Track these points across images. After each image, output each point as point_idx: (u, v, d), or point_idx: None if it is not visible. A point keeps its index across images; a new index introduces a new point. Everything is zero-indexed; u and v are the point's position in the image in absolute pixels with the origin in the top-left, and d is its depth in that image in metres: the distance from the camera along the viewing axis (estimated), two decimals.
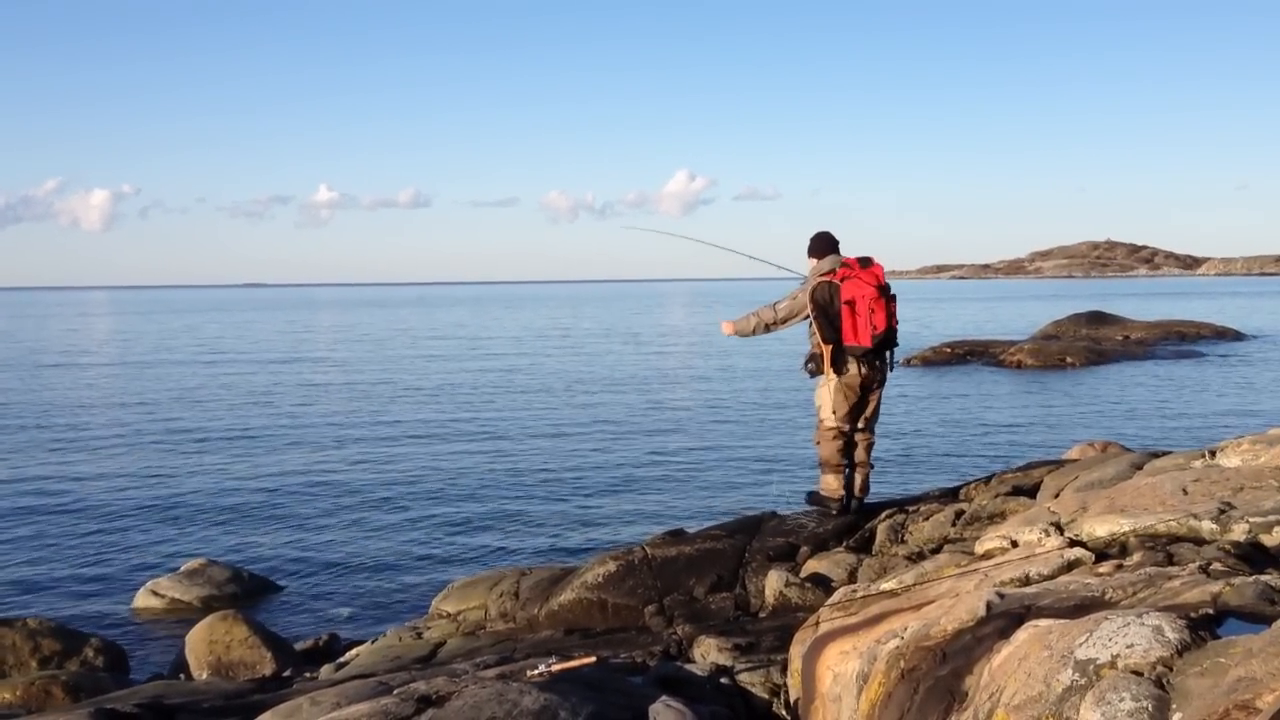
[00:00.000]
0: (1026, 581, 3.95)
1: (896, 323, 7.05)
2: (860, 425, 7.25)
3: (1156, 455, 6.85)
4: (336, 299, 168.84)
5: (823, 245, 7.25)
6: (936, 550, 6.03)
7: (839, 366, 7.01)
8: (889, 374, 7.24)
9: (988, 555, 4.72)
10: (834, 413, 7.15)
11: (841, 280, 6.94)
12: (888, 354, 7.13)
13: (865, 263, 6.98)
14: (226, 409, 23.40)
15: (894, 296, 7.01)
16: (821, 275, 7.06)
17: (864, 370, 7.03)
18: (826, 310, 6.96)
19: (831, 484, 7.34)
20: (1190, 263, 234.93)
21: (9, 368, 36.15)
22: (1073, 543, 4.42)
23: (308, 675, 6.76)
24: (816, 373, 7.15)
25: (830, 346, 6.97)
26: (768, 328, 7.35)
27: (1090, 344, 32.85)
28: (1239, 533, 4.24)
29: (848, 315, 6.90)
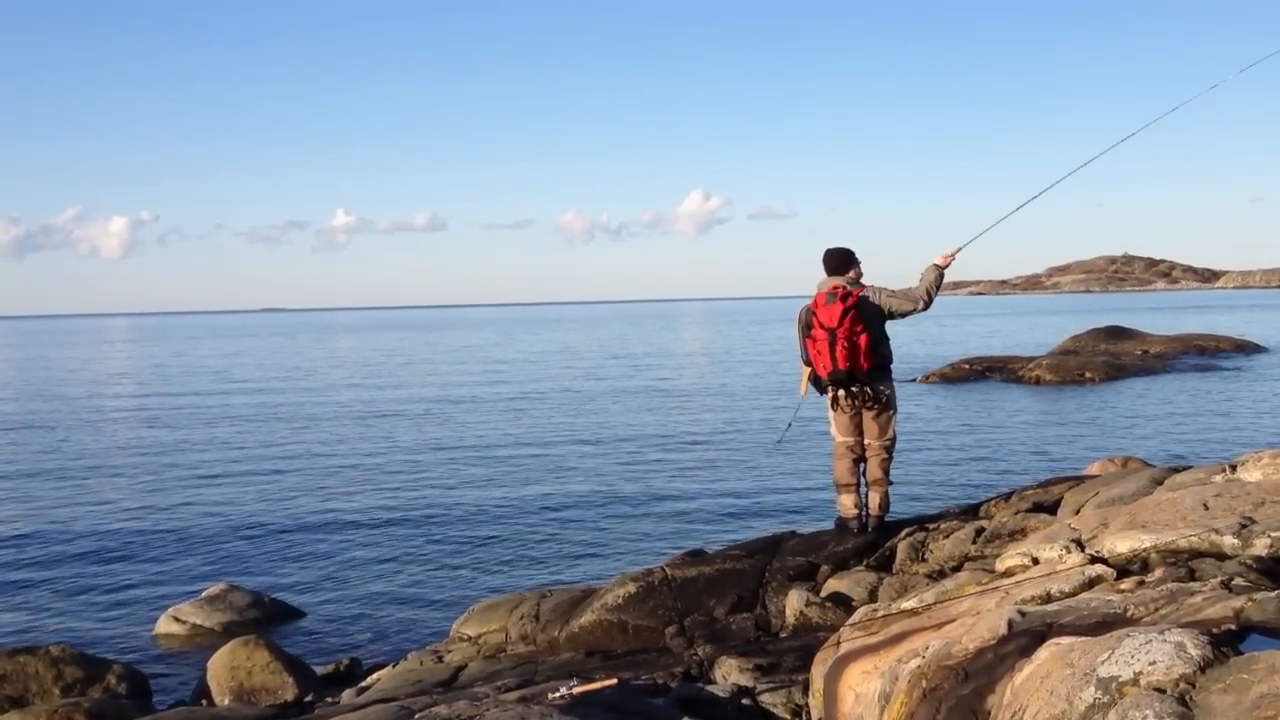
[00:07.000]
0: (1048, 599, 3.94)
1: (865, 359, 6.93)
2: (869, 441, 7.27)
3: (1177, 470, 6.80)
4: (355, 323, 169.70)
5: (827, 264, 7.29)
6: (957, 568, 6.01)
7: (820, 388, 7.21)
8: (884, 399, 7.20)
9: (1009, 573, 4.70)
10: (837, 429, 7.31)
11: (815, 309, 7.06)
12: (869, 384, 7.09)
13: (831, 298, 6.96)
14: (247, 434, 23.52)
15: (860, 332, 6.88)
16: (811, 299, 7.17)
17: (840, 394, 7.12)
18: (802, 335, 7.19)
19: (845, 503, 7.38)
20: (1208, 276, 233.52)
21: (31, 395, 36.46)
22: (1094, 559, 4.40)
23: (329, 700, 6.78)
24: (820, 391, 7.28)
25: (807, 370, 7.19)
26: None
27: (1109, 359, 32.66)
28: (1261, 547, 4.21)
29: (810, 346, 7.07)
